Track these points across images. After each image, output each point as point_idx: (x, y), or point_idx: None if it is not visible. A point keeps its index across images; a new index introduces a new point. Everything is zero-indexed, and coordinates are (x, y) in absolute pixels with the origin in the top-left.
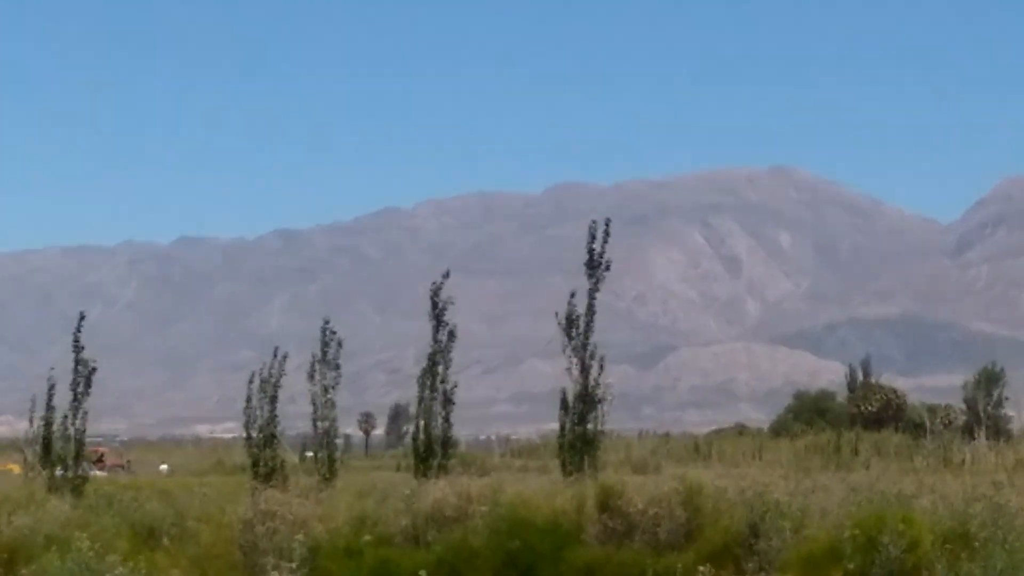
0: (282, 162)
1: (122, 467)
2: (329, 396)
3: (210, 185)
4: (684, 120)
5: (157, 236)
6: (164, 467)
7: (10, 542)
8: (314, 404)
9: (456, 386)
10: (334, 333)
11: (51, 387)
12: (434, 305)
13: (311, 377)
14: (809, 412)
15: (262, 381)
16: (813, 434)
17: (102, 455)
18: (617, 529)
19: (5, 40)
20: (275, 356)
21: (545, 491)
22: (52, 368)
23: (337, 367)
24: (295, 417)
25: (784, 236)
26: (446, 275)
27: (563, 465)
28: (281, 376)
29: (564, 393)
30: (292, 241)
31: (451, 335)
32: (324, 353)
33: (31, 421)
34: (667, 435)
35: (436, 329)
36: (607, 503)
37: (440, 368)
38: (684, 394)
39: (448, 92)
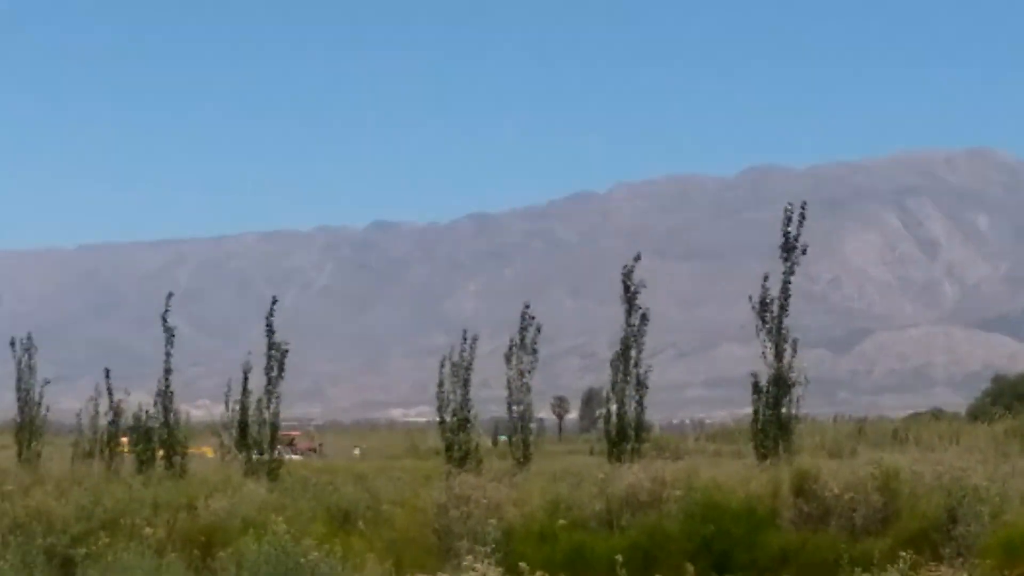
0: (476, 146)
1: (314, 451)
2: (525, 380)
3: (404, 170)
4: (880, 102)
5: (352, 221)
6: (357, 451)
7: (208, 525)
8: (510, 388)
9: (650, 370)
10: (532, 318)
11: (247, 371)
12: (626, 288)
13: (508, 361)
14: (1008, 396)
15: (454, 365)
16: (1012, 418)
17: (293, 439)
18: (812, 514)
19: (200, 25)
20: (464, 340)
21: (739, 476)
22: (249, 352)
23: (534, 351)
24: (488, 401)
25: (982, 218)
26: (637, 258)
27: (757, 450)
28: (473, 360)
29: (756, 377)
30: (486, 225)
31: (644, 319)
32: (522, 337)
33: (227, 405)
34: (863, 419)
35: (629, 313)
36: (802, 488)
37: (633, 352)
38: (880, 378)
39: (640, 76)
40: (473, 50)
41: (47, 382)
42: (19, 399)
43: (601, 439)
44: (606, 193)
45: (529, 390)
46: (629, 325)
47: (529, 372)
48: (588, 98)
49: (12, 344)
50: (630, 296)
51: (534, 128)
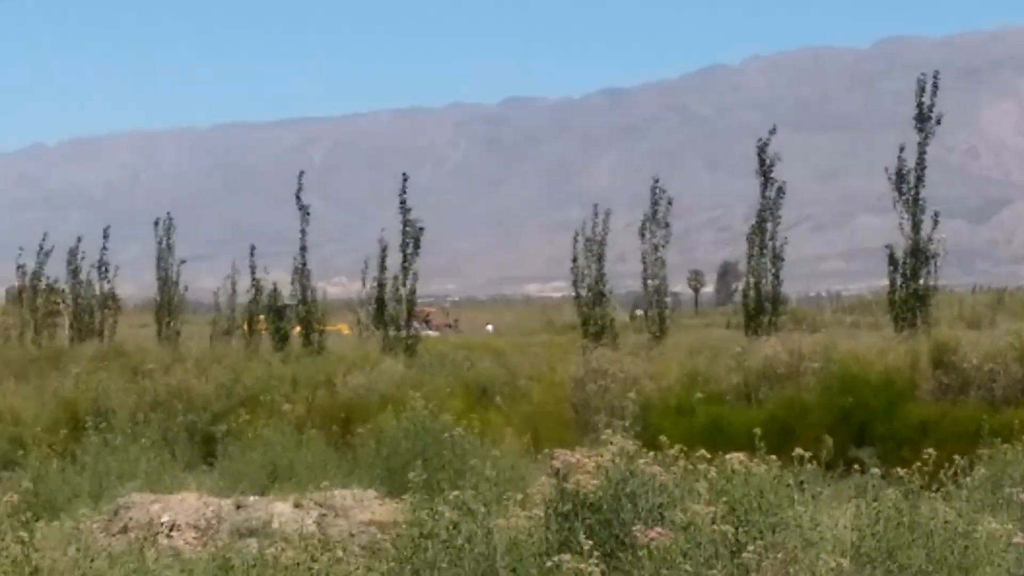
0: (607, 19)
1: (449, 326)
2: (659, 255)
3: (536, 45)
4: None
5: (485, 97)
6: (490, 327)
7: (346, 401)
8: (644, 262)
9: (786, 243)
10: (664, 191)
11: (383, 248)
12: (761, 161)
13: (641, 235)
14: None
15: (588, 240)
16: None
17: (428, 315)
18: (951, 385)
19: None
20: (595, 214)
21: (877, 347)
22: (383, 229)
23: (667, 225)
24: (625, 276)
25: None
26: (772, 130)
27: (895, 321)
28: (607, 234)
29: (891, 249)
30: (619, 100)
31: (780, 192)
32: (654, 211)
33: (363, 282)
34: (1002, 290)
35: (764, 186)
36: (941, 359)
37: (769, 225)
38: (1019, 248)
39: None
40: None
41: (183, 262)
42: (159, 278)
43: (738, 312)
44: (739, 65)
45: (663, 264)
46: (765, 198)
47: (663, 246)
48: None
49: (156, 224)
50: (765, 169)
51: (664, 1)
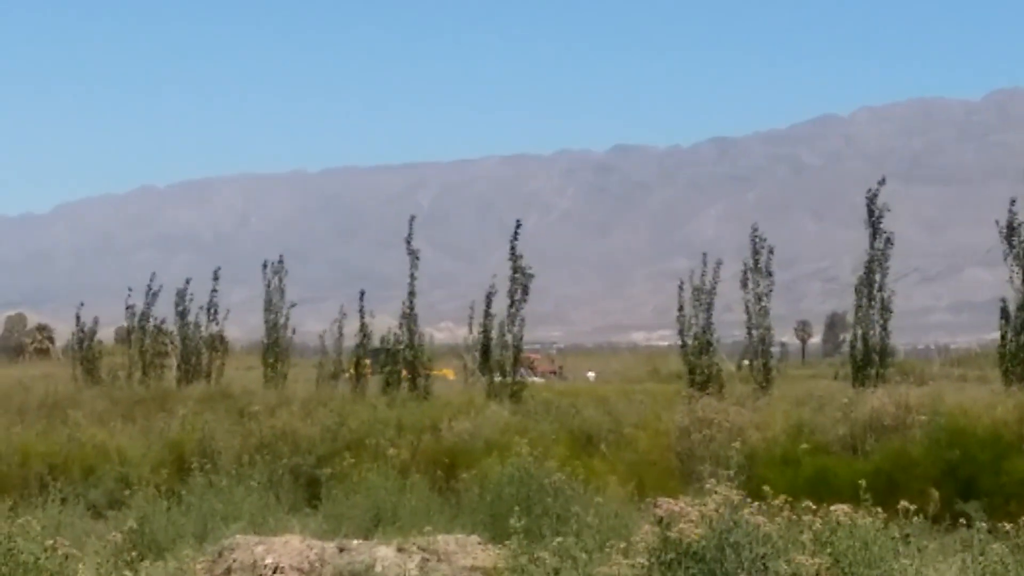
0: (716, 68)
1: (555, 373)
2: (763, 304)
3: (645, 92)
4: None
5: (593, 144)
6: (591, 374)
7: (451, 446)
8: (748, 312)
9: (894, 294)
10: (764, 240)
11: (491, 294)
12: (870, 212)
13: (744, 285)
14: None
15: (696, 289)
16: None
17: (533, 361)
18: None
19: None
20: (704, 263)
21: (985, 401)
22: (494, 275)
23: (769, 274)
24: (731, 325)
25: None
26: (882, 181)
27: (1004, 375)
28: (716, 284)
29: (1004, 302)
30: (728, 149)
31: (888, 242)
32: (756, 261)
33: (470, 327)
34: None
35: (873, 236)
36: None
37: (878, 276)
38: None
39: None
40: None
41: (293, 305)
42: (267, 321)
43: (845, 363)
44: (849, 116)
45: (767, 313)
46: (873, 249)
47: (766, 295)
48: (829, 20)
49: (265, 266)
50: (874, 220)
51: (776, 51)
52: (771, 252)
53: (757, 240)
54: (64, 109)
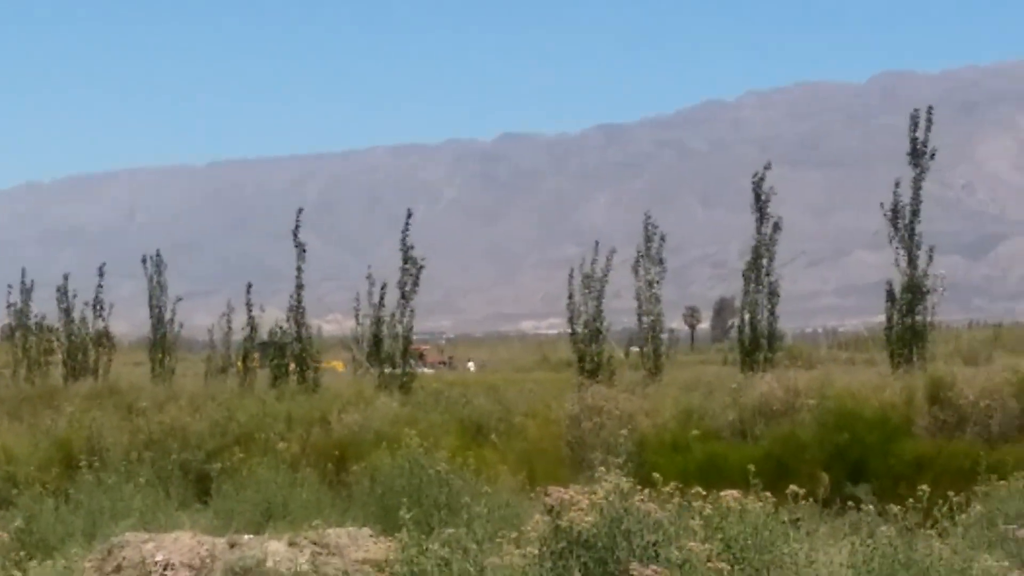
0: (602, 55)
1: (444, 364)
2: (653, 291)
3: (531, 81)
4: (1015, 2)
5: (480, 133)
6: (471, 364)
7: (341, 439)
8: (639, 299)
9: (781, 279)
10: (657, 227)
11: (382, 286)
12: (757, 197)
13: (635, 272)
14: None
15: (586, 277)
16: None
17: (422, 352)
18: (947, 421)
19: None
20: (596, 251)
21: (873, 384)
22: (369, 265)
23: (661, 261)
24: (620, 312)
25: None
26: (767, 166)
27: (891, 357)
28: (607, 272)
29: (890, 285)
30: (615, 136)
31: (776, 227)
32: (648, 247)
33: (357, 319)
34: (998, 326)
35: (760, 222)
36: (937, 395)
37: (765, 261)
38: (1015, 284)
39: None
40: None
41: (179, 299)
42: (151, 316)
43: (733, 349)
44: (736, 101)
45: (658, 300)
46: (760, 234)
47: (657, 282)
48: (713, 4)
49: (144, 261)
50: (761, 205)
51: (661, 37)
52: (663, 239)
53: (649, 227)
54: None
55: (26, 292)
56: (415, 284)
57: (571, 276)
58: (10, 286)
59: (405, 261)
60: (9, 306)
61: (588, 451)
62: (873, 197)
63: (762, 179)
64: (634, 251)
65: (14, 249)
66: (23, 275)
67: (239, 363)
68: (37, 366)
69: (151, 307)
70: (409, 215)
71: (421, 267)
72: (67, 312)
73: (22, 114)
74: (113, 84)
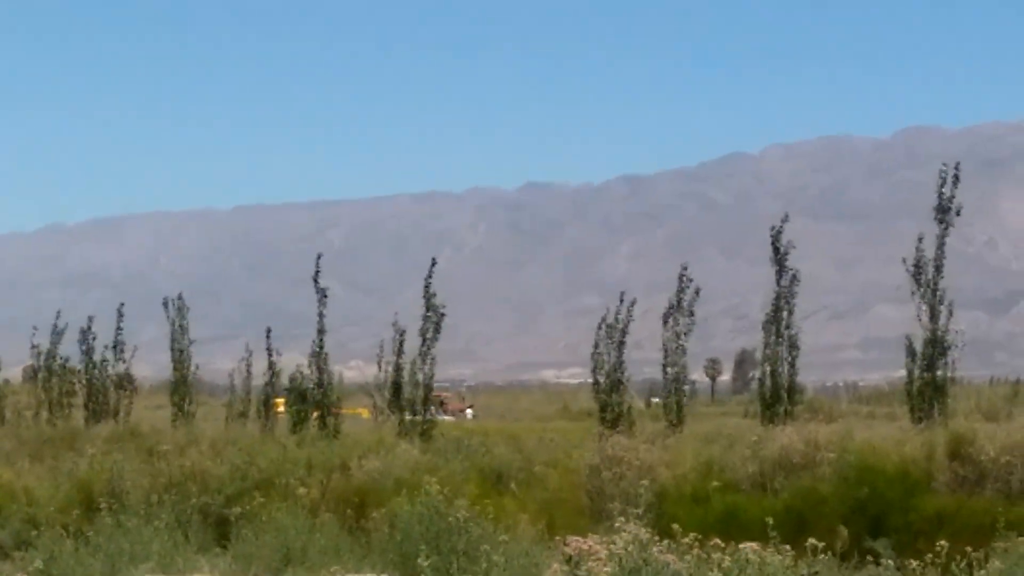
0: (626, 106)
1: (445, 409)
2: (681, 342)
3: (556, 131)
4: None
5: (504, 182)
6: (469, 412)
7: (361, 485)
8: (665, 350)
9: (800, 331)
10: (690, 280)
11: (402, 332)
12: (775, 250)
13: (665, 323)
14: None
15: (608, 327)
16: None
17: (443, 400)
18: (968, 477)
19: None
20: (621, 302)
21: (894, 438)
22: (396, 313)
23: (691, 314)
24: (641, 363)
25: None
26: (785, 219)
27: (912, 412)
28: (629, 322)
29: (910, 340)
30: (638, 187)
31: (795, 280)
32: (679, 299)
33: (379, 366)
34: (1019, 382)
35: (779, 274)
36: (957, 451)
37: (785, 314)
38: None
39: (791, 36)
40: (628, 7)
41: (192, 342)
42: (173, 359)
43: (754, 401)
44: (759, 154)
45: (684, 352)
46: (780, 286)
47: (685, 334)
48: (740, 59)
49: (165, 304)
50: (780, 257)
51: (685, 89)
52: (697, 293)
53: (684, 279)
54: None
55: (56, 335)
56: (436, 331)
57: (599, 326)
58: (35, 328)
59: (427, 308)
60: (33, 347)
61: (608, 501)
62: (896, 251)
63: (780, 231)
64: (654, 301)
65: (37, 292)
66: (57, 317)
67: (276, 408)
68: (59, 408)
69: (172, 350)
70: (434, 263)
71: (443, 314)
72: (89, 354)
73: (46, 157)
74: (137, 126)
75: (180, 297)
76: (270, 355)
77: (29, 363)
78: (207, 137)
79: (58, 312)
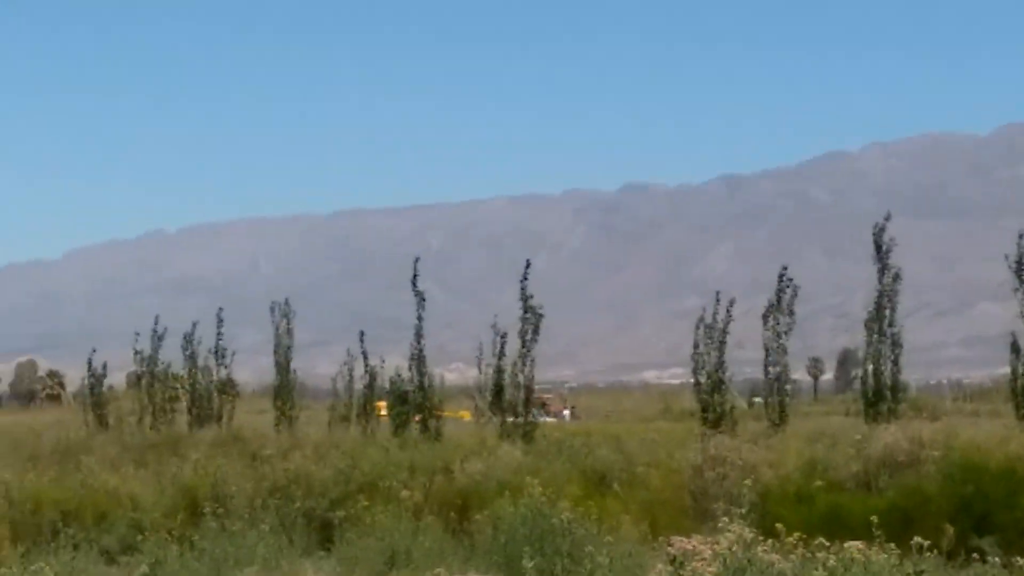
0: (724, 106)
1: (574, 413)
2: (782, 342)
3: (654, 131)
4: None
5: (602, 183)
6: (566, 413)
7: (464, 488)
8: (766, 349)
9: (902, 329)
10: (791, 279)
11: (502, 335)
12: (878, 248)
13: (765, 322)
14: None
15: (708, 327)
16: None
17: (545, 402)
18: None
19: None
20: (718, 302)
21: (998, 436)
22: (495, 315)
23: (791, 313)
24: (742, 363)
25: None
26: (887, 217)
27: (1016, 409)
28: (729, 322)
29: (1014, 336)
30: (737, 187)
31: (897, 278)
32: (779, 299)
33: (480, 368)
34: None
35: (881, 272)
36: None
37: (887, 312)
38: None
39: (892, 33)
40: (724, 7)
41: (288, 347)
42: (276, 364)
43: (857, 400)
44: (858, 152)
45: (786, 351)
46: (882, 284)
47: (786, 333)
48: (836, 56)
49: (272, 310)
50: (882, 255)
51: (784, 87)
52: (796, 292)
53: (784, 279)
54: (73, 155)
55: (157, 340)
56: (535, 333)
57: (698, 326)
58: (137, 334)
59: (525, 310)
60: (136, 353)
61: (711, 501)
62: (997, 248)
63: (883, 229)
64: (754, 302)
65: (137, 298)
66: (155, 322)
67: (379, 411)
68: (162, 413)
69: (276, 355)
70: (528, 265)
71: (540, 316)
72: (192, 360)
73: (145, 164)
74: (235, 132)
75: (286, 302)
76: (366, 359)
77: (132, 369)
78: (305, 142)
79: (156, 317)
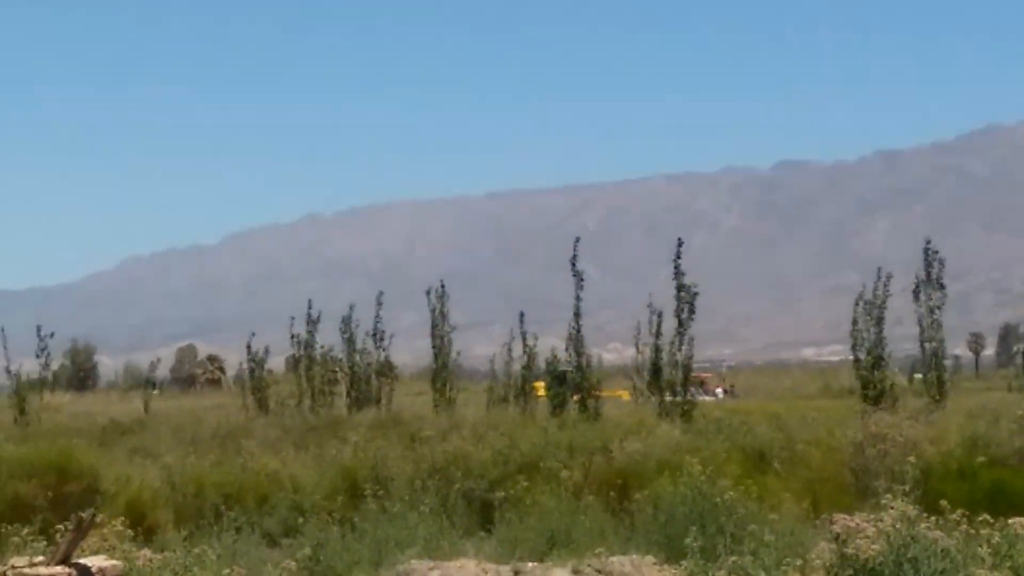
0: (880, 80)
1: (726, 392)
2: (935, 317)
3: (809, 108)
4: None
5: (758, 161)
6: (719, 391)
7: (623, 467)
8: (920, 325)
9: None
10: (936, 252)
11: (659, 314)
12: None
13: (915, 298)
14: None
15: (867, 303)
16: None
17: (703, 380)
18: None
19: None
20: (878, 278)
21: None
22: (650, 294)
23: (942, 287)
24: (903, 339)
25: None
26: None
27: None
28: (886, 298)
29: None
30: (894, 162)
31: None
32: (928, 274)
33: (637, 347)
34: None
35: None
36: None
37: None
38: None
39: None
40: None
41: (452, 328)
42: (433, 346)
43: (1019, 375)
44: (1016, 125)
45: (940, 327)
46: None
47: (939, 308)
48: (993, 28)
49: (428, 292)
50: None
51: (940, 61)
52: (943, 265)
53: (929, 253)
54: (230, 141)
55: (312, 323)
56: (691, 312)
57: (856, 303)
58: (292, 318)
59: (679, 289)
60: (292, 337)
61: (872, 479)
62: None
63: None
64: (913, 278)
65: (295, 282)
66: (309, 306)
67: (532, 392)
68: (322, 396)
69: (433, 337)
70: (680, 243)
71: (695, 294)
72: (351, 343)
73: (303, 149)
74: (391, 118)
75: (442, 285)
76: (524, 339)
77: (291, 353)
78: (459, 125)
79: (309, 301)
